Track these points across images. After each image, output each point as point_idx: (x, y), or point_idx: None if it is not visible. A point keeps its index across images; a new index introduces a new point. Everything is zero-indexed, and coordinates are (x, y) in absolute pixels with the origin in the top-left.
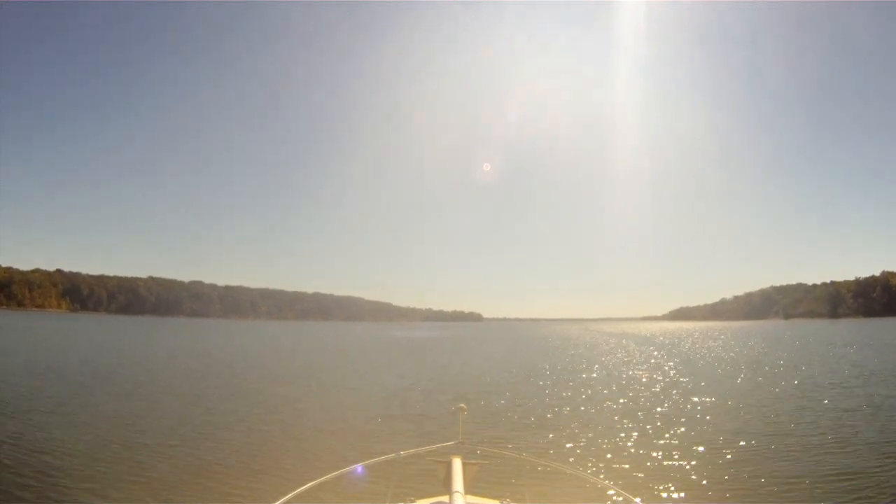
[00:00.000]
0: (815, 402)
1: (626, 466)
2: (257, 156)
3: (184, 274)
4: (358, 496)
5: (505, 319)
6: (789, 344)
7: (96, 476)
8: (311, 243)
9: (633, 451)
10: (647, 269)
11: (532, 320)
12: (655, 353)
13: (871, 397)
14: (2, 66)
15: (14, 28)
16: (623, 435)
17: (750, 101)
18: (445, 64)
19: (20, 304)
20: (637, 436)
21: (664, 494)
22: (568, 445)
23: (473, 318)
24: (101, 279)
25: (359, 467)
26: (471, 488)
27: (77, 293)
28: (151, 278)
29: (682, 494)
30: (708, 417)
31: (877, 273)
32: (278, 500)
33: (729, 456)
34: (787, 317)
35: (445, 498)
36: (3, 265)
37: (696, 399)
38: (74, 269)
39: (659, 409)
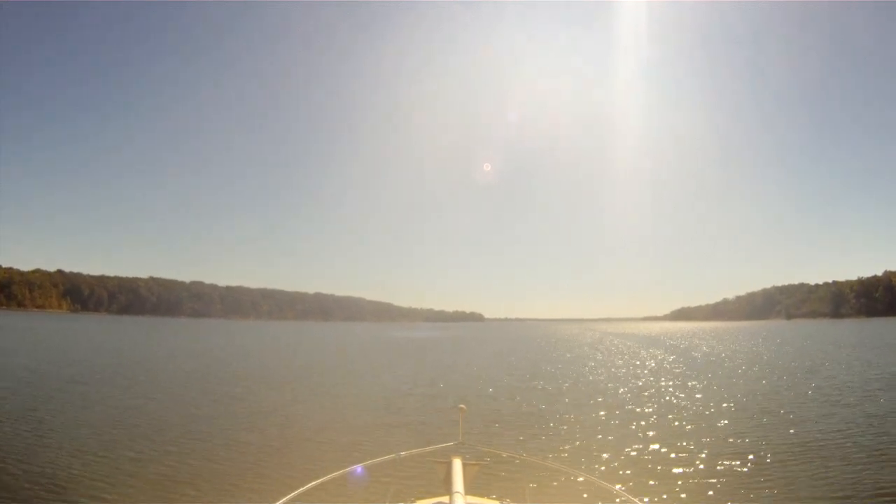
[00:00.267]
0: (842, 407)
1: (628, 467)
2: (258, 156)
3: (185, 274)
4: (358, 496)
5: (506, 319)
6: (798, 344)
7: (95, 476)
8: (311, 243)
9: (634, 452)
10: (649, 269)
11: (533, 320)
12: (660, 353)
13: None
14: (2, 66)
15: (14, 28)
16: (625, 436)
17: (751, 101)
18: (445, 64)
19: (20, 305)
20: (640, 437)
21: (666, 495)
22: (568, 445)
23: (475, 318)
24: (102, 279)
25: (359, 468)
26: (471, 488)
27: (78, 294)
28: (152, 278)
29: (684, 495)
30: (724, 422)
31: (879, 273)
32: (278, 500)
33: (745, 462)
34: (789, 317)
35: (445, 498)
36: (4, 266)
37: (704, 401)
38: (75, 270)
39: (665, 411)
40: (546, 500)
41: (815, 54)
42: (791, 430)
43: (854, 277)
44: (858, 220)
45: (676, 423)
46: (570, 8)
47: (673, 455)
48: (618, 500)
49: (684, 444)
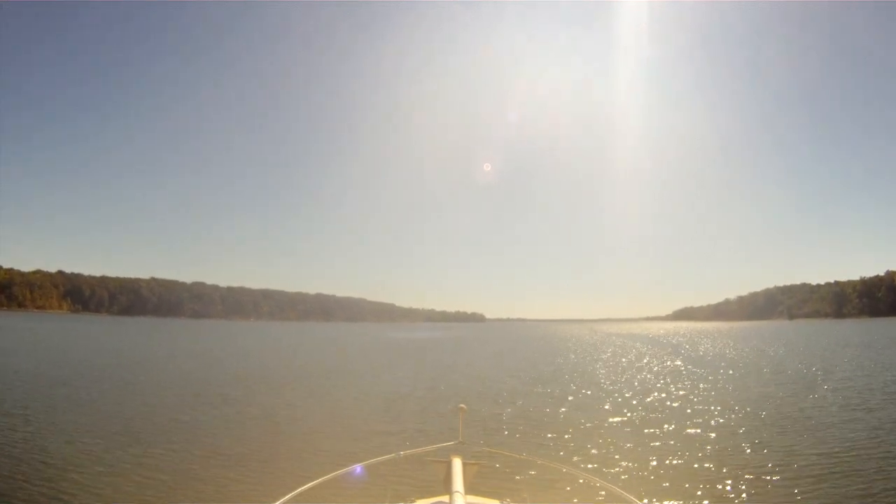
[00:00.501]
0: (866, 412)
1: (629, 468)
2: (258, 156)
3: (186, 275)
4: (358, 496)
5: (508, 320)
6: (806, 345)
7: (95, 476)
8: (312, 244)
9: (636, 453)
10: (650, 269)
11: (535, 321)
12: (665, 354)
13: None
14: (2, 66)
15: (14, 28)
16: (630, 438)
17: (751, 101)
18: (445, 64)
19: (21, 306)
20: (646, 439)
21: (667, 495)
22: (568, 446)
23: (476, 318)
24: (103, 280)
25: (358, 467)
26: (471, 488)
27: (78, 294)
28: (153, 279)
29: (686, 496)
30: (738, 425)
31: (881, 273)
32: (278, 500)
33: (763, 469)
34: (791, 317)
35: (445, 498)
36: (4, 266)
37: (715, 403)
38: (76, 271)
39: (672, 413)
40: (546, 499)
41: (815, 54)
42: (815, 436)
43: (856, 277)
44: (860, 219)
45: (685, 426)
46: (570, 8)
47: (681, 459)
48: (618, 500)
49: (693, 447)
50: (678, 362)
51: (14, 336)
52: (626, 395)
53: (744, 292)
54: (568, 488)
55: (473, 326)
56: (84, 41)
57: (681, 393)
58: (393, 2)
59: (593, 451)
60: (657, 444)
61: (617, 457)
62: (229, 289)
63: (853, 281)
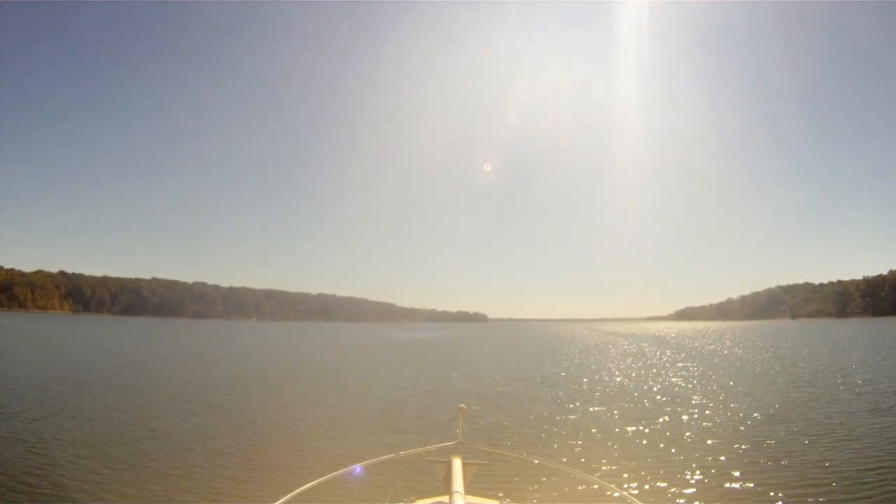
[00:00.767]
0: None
1: (630, 468)
2: (259, 156)
3: (187, 275)
4: (358, 496)
5: (510, 320)
6: (815, 345)
7: (94, 477)
8: (314, 244)
9: (638, 454)
10: (651, 269)
11: (536, 321)
12: (671, 354)
13: None
14: (2, 66)
15: (14, 28)
16: (631, 438)
17: (752, 100)
18: (446, 64)
19: (22, 306)
20: (645, 440)
21: (667, 496)
22: (569, 446)
23: (478, 318)
24: (104, 280)
25: (358, 467)
26: (471, 488)
27: (80, 294)
28: (154, 279)
29: (687, 497)
30: (755, 431)
31: (884, 272)
32: (278, 500)
33: (787, 480)
34: (794, 316)
35: (445, 498)
36: (5, 267)
37: (728, 406)
38: (77, 271)
39: (683, 416)
40: (546, 500)
41: (815, 54)
42: (850, 447)
43: (858, 277)
44: (861, 219)
45: (698, 432)
46: (570, 8)
47: (684, 459)
48: (618, 500)
49: (708, 455)
50: (687, 363)
51: (13, 336)
52: (634, 395)
53: (745, 292)
54: (568, 488)
55: (475, 326)
56: (84, 41)
57: (693, 396)
58: (393, 2)
59: (599, 454)
60: (669, 448)
61: (625, 461)
62: (230, 289)
63: (856, 280)
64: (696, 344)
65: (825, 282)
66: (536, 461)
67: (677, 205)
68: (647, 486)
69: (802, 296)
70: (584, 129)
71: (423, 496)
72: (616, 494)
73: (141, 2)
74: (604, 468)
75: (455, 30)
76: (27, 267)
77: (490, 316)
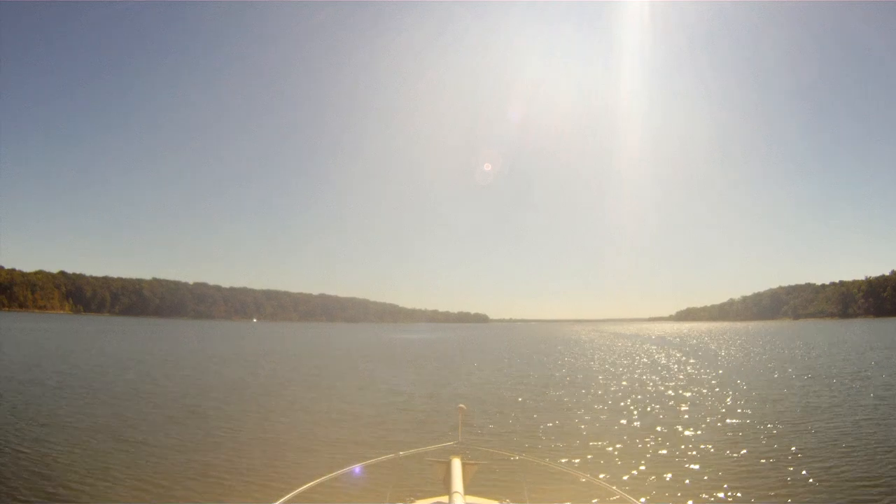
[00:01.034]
0: None
1: (630, 469)
2: (260, 156)
3: (188, 275)
4: (357, 496)
5: (511, 321)
6: (824, 346)
7: (94, 477)
8: (315, 244)
9: (638, 454)
10: (654, 270)
11: (538, 321)
12: (678, 355)
13: None
14: (2, 66)
15: (14, 28)
16: (635, 442)
17: (756, 100)
18: (447, 64)
19: (22, 306)
20: (648, 441)
21: (667, 496)
22: (570, 446)
23: (479, 319)
24: (105, 280)
25: (358, 467)
26: (470, 488)
27: (80, 295)
28: (155, 280)
29: (687, 497)
30: (771, 441)
31: (886, 273)
32: (277, 500)
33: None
34: (796, 317)
35: (445, 498)
36: (6, 267)
37: (742, 410)
38: (78, 271)
39: (697, 420)
40: (546, 500)
41: (815, 54)
42: (891, 459)
43: (860, 277)
44: (863, 219)
45: (708, 435)
46: (571, 8)
47: (686, 460)
48: (618, 500)
49: (716, 460)
50: (696, 365)
51: (12, 336)
52: (640, 398)
53: (747, 292)
54: (568, 488)
55: (476, 327)
56: (84, 41)
57: (704, 401)
58: (394, 2)
59: (599, 455)
60: (676, 454)
61: (628, 464)
62: (232, 289)
63: (858, 281)
64: (703, 345)
65: (827, 282)
66: (536, 461)
67: (679, 205)
68: (653, 491)
69: (805, 296)
70: (585, 129)
71: (422, 496)
72: (616, 495)
73: (141, 2)
74: (604, 469)
75: (456, 30)
76: (27, 267)
77: (491, 317)
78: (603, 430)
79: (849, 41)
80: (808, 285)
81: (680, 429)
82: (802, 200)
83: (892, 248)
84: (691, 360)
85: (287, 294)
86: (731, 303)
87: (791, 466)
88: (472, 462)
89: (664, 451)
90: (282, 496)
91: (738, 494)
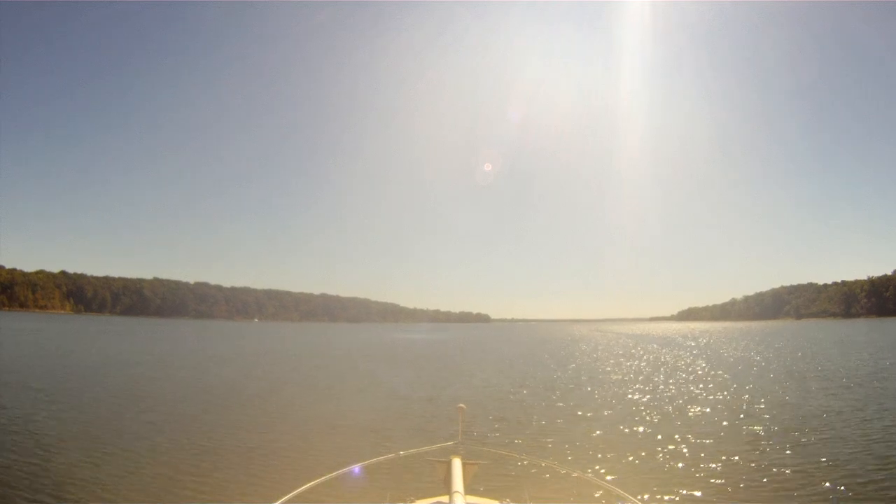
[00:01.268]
0: None
1: (631, 469)
2: (261, 155)
3: (189, 275)
4: (357, 496)
5: (512, 321)
6: (833, 346)
7: (94, 476)
8: (316, 244)
9: (639, 455)
10: (655, 269)
11: (539, 321)
12: (685, 356)
13: None
14: (2, 66)
15: (14, 28)
16: (643, 447)
17: (756, 100)
18: (447, 64)
19: (23, 306)
20: (649, 442)
21: (667, 496)
22: (568, 446)
23: (481, 319)
24: (106, 280)
25: (358, 467)
26: (471, 488)
27: (81, 295)
28: (156, 279)
29: (687, 497)
30: (789, 451)
31: (889, 272)
32: (277, 500)
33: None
34: (799, 317)
35: (445, 498)
36: (7, 266)
37: (754, 414)
38: (79, 271)
39: (685, 415)
40: (546, 500)
41: (815, 54)
42: None
43: (863, 277)
44: (865, 219)
45: (723, 442)
46: (572, 8)
47: (687, 461)
48: (618, 500)
49: (705, 452)
50: (703, 365)
51: (10, 336)
52: (646, 401)
53: (748, 292)
54: (568, 488)
55: (478, 327)
56: (84, 41)
57: (716, 406)
58: (394, 2)
59: (596, 452)
60: (686, 459)
61: (632, 467)
62: (233, 289)
63: (861, 280)
64: (708, 345)
65: (829, 282)
66: (536, 461)
67: (680, 204)
68: (654, 491)
69: (807, 296)
70: (585, 129)
71: (422, 496)
72: (616, 495)
73: (141, 2)
74: (604, 469)
75: (456, 30)
76: (28, 267)
77: (493, 316)
78: (604, 431)
79: (849, 41)
80: (811, 285)
81: (682, 430)
82: (802, 200)
83: (893, 247)
84: (698, 362)
85: (288, 294)
86: (733, 302)
87: (806, 472)
88: (473, 462)
89: (665, 452)
90: (282, 496)
91: (740, 496)
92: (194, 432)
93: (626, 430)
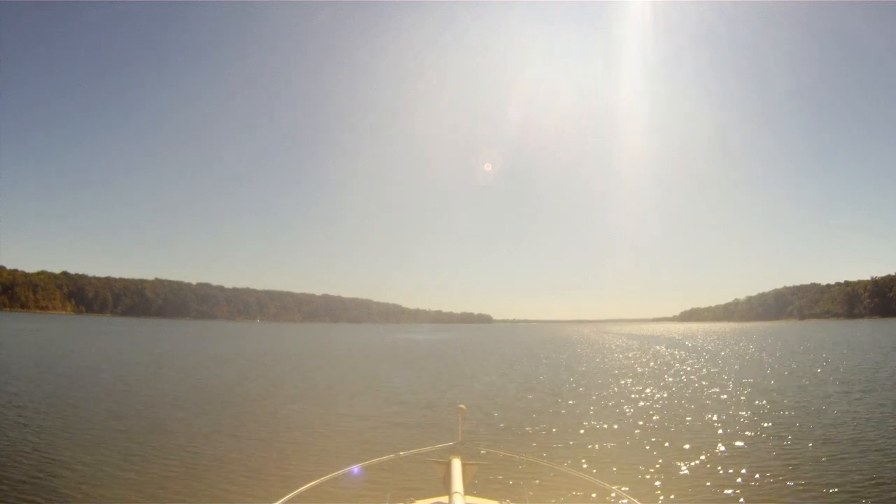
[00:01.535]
0: None
1: (631, 470)
2: (262, 156)
3: (190, 276)
4: (357, 496)
5: (514, 321)
6: (840, 347)
7: (94, 476)
8: (318, 245)
9: (639, 456)
10: (658, 270)
11: (541, 322)
12: (690, 357)
13: None
14: (2, 66)
15: (14, 28)
16: (650, 449)
17: (756, 100)
18: (448, 64)
19: (24, 307)
20: (651, 444)
21: (667, 496)
22: (568, 446)
23: (483, 319)
24: (108, 281)
25: (358, 468)
26: (470, 489)
27: (82, 295)
28: (158, 280)
29: (688, 498)
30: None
31: (892, 272)
32: (277, 500)
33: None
34: (802, 317)
35: (445, 498)
36: (8, 267)
37: (763, 418)
38: (80, 271)
39: (687, 416)
40: (546, 500)
41: (815, 54)
42: None
43: (866, 277)
44: (868, 219)
45: (718, 439)
46: (572, 8)
47: (686, 461)
48: (618, 500)
49: (706, 452)
50: (714, 369)
51: (10, 337)
52: (652, 403)
53: (751, 293)
54: (568, 489)
55: (480, 328)
56: (84, 41)
57: (714, 404)
58: (394, 2)
59: (596, 453)
60: (694, 464)
61: (633, 468)
62: (234, 290)
63: (864, 281)
64: (713, 346)
65: (832, 283)
66: (536, 461)
67: (682, 205)
68: (654, 492)
69: (810, 296)
70: (585, 129)
71: (422, 496)
72: (614, 496)
73: (141, 2)
74: (604, 469)
75: (456, 30)
76: (30, 267)
77: (495, 317)
78: (604, 432)
79: (849, 41)
80: (814, 285)
81: (684, 431)
82: (803, 200)
83: (894, 248)
84: (701, 362)
85: (290, 294)
86: (735, 303)
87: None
88: (473, 462)
89: (666, 453)
90: (282, 496)
91: (741, 497)
92: (194, 432)
93: (628, 433)
